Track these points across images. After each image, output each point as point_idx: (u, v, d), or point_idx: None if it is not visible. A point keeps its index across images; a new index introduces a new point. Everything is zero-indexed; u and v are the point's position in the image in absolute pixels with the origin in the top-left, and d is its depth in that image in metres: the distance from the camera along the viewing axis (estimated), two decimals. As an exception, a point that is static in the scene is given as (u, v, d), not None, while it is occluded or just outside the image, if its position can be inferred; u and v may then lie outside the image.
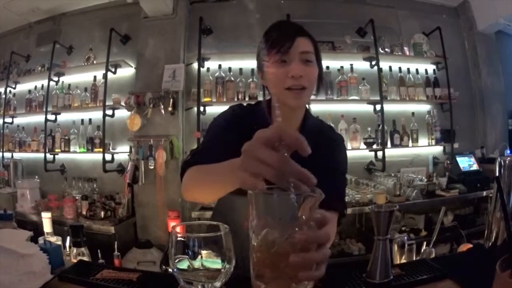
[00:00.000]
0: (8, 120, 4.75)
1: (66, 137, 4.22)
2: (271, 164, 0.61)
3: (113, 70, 4.08)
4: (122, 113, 4.03)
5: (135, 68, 4.08)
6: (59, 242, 1.50)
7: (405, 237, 1.45)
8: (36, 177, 4.19)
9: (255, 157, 0.63)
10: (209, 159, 1.00)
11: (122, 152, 4.08)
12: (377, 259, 0.97)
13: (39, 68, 4.50)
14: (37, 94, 4.50)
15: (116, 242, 2.70)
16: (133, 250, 3.49)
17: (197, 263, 0.68)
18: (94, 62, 4.22)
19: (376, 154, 4.02)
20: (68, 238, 1.67)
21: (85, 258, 1.54)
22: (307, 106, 1.40)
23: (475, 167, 4.12)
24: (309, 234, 0.59)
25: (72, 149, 4.21)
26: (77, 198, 3.85)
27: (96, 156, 4.07)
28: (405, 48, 4.24)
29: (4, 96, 4.71)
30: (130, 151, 3.86)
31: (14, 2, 4.18)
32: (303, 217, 0.61)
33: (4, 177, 4.52)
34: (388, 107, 4.00)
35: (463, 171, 4.04)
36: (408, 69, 4.20)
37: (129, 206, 3.81)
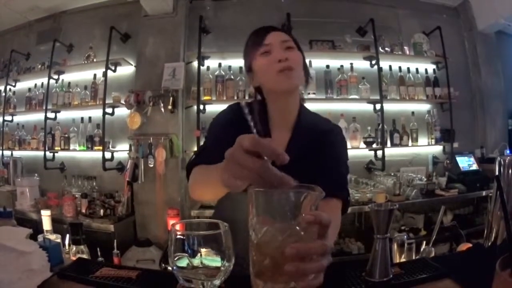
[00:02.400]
0: (8, 118, 4.74)
1: (66, 135, 4.22)
2: (250, 169, 0.64)
3: (113, 68, 4.07)
4: (122, 111, 4.01)
5: (135, 66, 4.07)
6: (59, 240, 1.50)
7: (405, 236, 1.45)
8: (36, 175, 4.19)
9: (237, 162, 0.65)
10: (211, 160, 1.01)
11: (121, 150, 4.07)
12: (377, 258, 0.97)
13: (39, 66, 4.50)
14: (37, 92, 4.50)
15: (115, 240, 2.70)
16: (133, 248, 3.49)
17: (196, 261, 0.67)
18: (94, 60, 4.22)
19: (375, 154, 4.02)
20: (68, 236, 1.67)
21: (85, 256, 1.54)
22: (302, 102, 1.42)
23: (474, 166, 4.13)
24: (299, 248, 0.59)
25: (71, 147, 4.21)
26: (76, 196, 3.84)
27: (95, 154, 4.07)
28: (405, 48, 4.24)
29: (4, 94, 4.71)
30: (130, 149, 3.86)
31: (14, 1, 4.17)
32: (303, 215, 0.61)
33: (4, 175, 4.52)
34: (388, 107, 4.00)
35: (462, 171, 4.04)
36: (408, 68, 4.20)
37: (128, 204, 3.81)
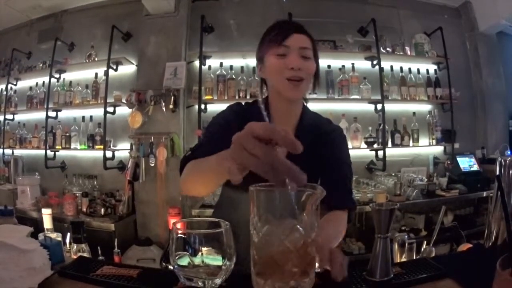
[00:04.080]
0: (9, 116, 4.74)
1: (67, 134, 4.22)
2: (259, 156, 0.60)
3: (114, 67, 4.08)
4: (123, 110, 4.02)
5: (136, 65, 4.08)
6: (59, 239, 1.50)
7: (405, 236, 1.45)
8: (37, 173, 4.19)
9: (244, 148, 0.62)
10: (206, 155, 1.01)
11: (122, 149, 4.08)
12: (378, 257, 0.97)
13: (40, 65, 4.50)
14: (38, 91, 4.50)
15: (116, 239, 2.70)
16: (133, 247, 3.50)
17: (197, 260, 0.67)
18: (96, 59, 4.22)
19: (376, 154, 4.02)
20: (68, 234, 1.67)
21: (85, 255, 1.54)
22: (304, 102, 1.43)
23: (475, 167, 4.12)
24: None
25: (72, 146, 4.21)
26: (77, 195, 3.85)
27: (96, 153, 4.07)
28: (407, 48, 4.23)
29: (5, 92, 4.71)
30: (131, 149, 3.86)
31: (15, -1, 4.19)
32: (304, 214, 0.61)
33: (5, 174, 4.52)
34: (389, 107, 4.00)
35: (463, 171, 4.04)
36: (410, 69, 4.20)
37: (129, 204, 3.81)
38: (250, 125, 0.63)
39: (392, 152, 4.04)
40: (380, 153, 3.94)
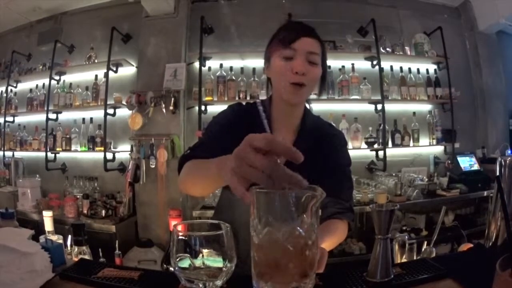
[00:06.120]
0: (9, 119, 4.75)
1: (67, 136, 4.23)
2: (259, 168, 0.61)
3: (114, 69, 4.08)
4: (123, 112, 4.02)
5: (136, 67, 4.08)
6: (60, 241, 1.50)
7: (406, 236, 1.45)
8: (37, 176, 4.18)
9: (246, 161, 0.62)
10: (206, 154, 1.01)
11: (123, 151, 4.08)
12: (378, 258, 0.97)
13: (40, 67, 4.51)
14: (38, 93, 4.51)
15: (117, 241, 2.70)
16: (134, 249, 3.49)
17: (198, 262, 0.68)
18: (96, 61, 4.23)
19: (377, 154, 4.02)
20: (69, 236, 1.67)
21: (87, 257, 1.54)
22: (307, 105, 1.43)
23: (476, 167, 4.12)
24: None
25: (73, 148, 4.22)
26: (78, 197, 3.86)
27: (97, 155, 4.08)
28: (406, 48, 4.23)
29: (5, 95, 4.71)
30: (131, 150, 3.86)
31: (15, 1, 4.19)
32: (304, 216, 0.61)
33: (5, 176, 4.53)
34: (389, 107, 4.00)
35: (464, 171, 4.04)
36: (409, 68, 4.19)
37: (130, 205, 3.82)
38: (248, 137, 0.64)
39: (392, 152, 4.05)
40: (381, 153, 3.94)
